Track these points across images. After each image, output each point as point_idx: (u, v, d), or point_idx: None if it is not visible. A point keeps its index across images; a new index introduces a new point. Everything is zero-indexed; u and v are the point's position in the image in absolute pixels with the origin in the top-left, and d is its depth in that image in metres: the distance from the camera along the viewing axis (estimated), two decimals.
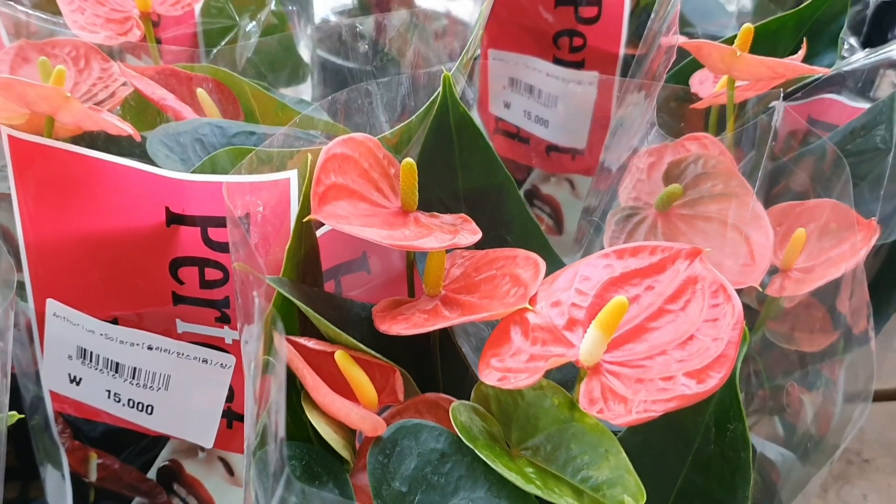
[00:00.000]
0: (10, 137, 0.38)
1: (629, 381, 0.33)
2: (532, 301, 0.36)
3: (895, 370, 0.92)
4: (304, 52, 0.69)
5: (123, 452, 0.49)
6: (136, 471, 0.49)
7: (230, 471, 0.48)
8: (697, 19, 0.72)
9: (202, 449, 0.48)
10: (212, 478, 0.48)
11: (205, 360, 0.43)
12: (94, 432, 0.49)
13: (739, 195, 0.46)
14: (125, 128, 0.40)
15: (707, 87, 0.58)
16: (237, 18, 0.55)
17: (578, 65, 0.69)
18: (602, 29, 0.68)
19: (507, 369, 0.34)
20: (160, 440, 0.48)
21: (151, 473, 0.49)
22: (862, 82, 0.57)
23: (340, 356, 0.35)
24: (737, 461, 0.37)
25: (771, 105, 0.61)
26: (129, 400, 0.45)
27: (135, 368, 0.44)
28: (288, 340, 0.35)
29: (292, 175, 0.38)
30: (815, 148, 0.44)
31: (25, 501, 0.65)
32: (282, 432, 0.30)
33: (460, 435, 0.33)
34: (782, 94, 0.57)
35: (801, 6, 0.60)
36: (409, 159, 0.38)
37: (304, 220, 0.36)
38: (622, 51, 0.68)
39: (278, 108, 0.46)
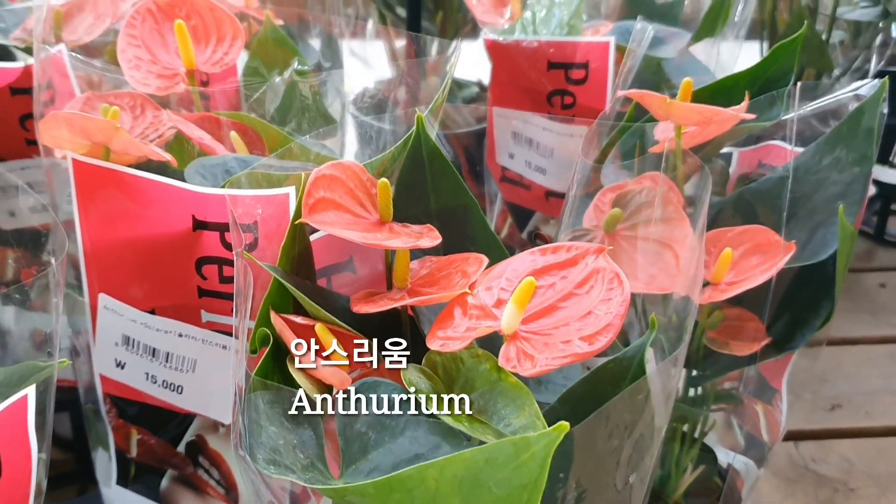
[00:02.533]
0: (74, 160, 0.50)
1: (538, 345, 0.42)
2: (472, 287, 0.45)
3: (884, 411, 0.98)
4: (335, 110, 0.80)
5: (158, 429, 0.59)
6: (168, 445, 0.59)
7: None
8: (679, 78, 0.81)
9: (222, 424, 0.58)
10: (230, 451, 0.58)
11: (224, 347, 0.53)
12: (132, 411, 0.58)
13: (673, 220, 0.55)
14: (164, 155, 0.51)
15: (668, 134, 0.67)
16: (267, 76, 0.66)
17: (570, 120, 0.79)
18: (589, 89, 0.78)
19: (447, 338, 0.43)
20: (188, 417, 0.58)
21: (181, 448, 0.59)
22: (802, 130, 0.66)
23: (320, 328, 0.45)
24: (640, 444, 0.45)
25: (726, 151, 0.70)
26: (164, 381, 0.55)
27: (168, 353, 0.54)
28: (279, 316, 0.45)
29: (291, 190, 0.48)
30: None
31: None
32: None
33: (408, 388, 0.42)
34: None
35: (754, 66, 0.69)
36: (384, 179, 0.48)
37: (296, 222, 0.46)
38: (608, 107, 0.78)
39: (283, 140, 0.57)
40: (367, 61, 1.17)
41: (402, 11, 1.16)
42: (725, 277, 0.56)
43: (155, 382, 0.55)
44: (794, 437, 0.93)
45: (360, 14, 1.19)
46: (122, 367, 0.55)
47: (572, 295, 0.44)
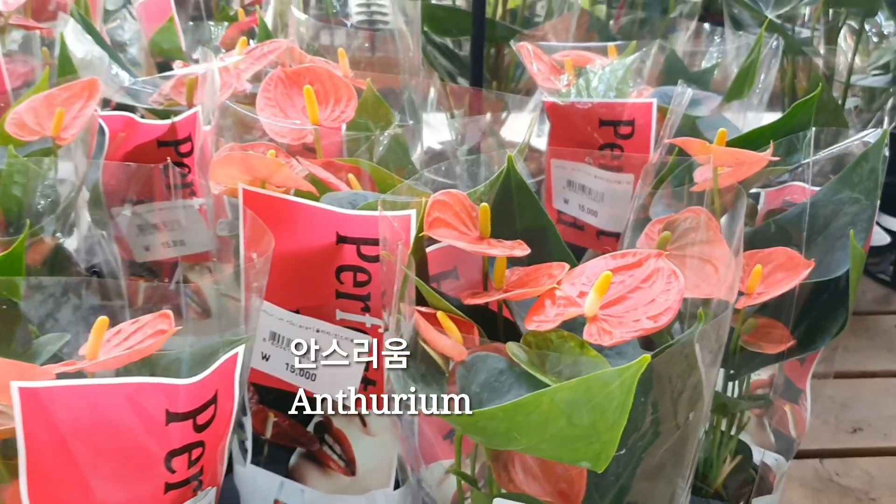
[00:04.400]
0: (244, 189, 0.63)
1: (614, 323, 0.54)
2: (559, 284, 0.58)
3: None
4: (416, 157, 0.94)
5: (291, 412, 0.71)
6: (299, 426, 0.72)
7: (364, 423, 0.70)
8: (710, 134, 0.95)
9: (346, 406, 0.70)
10: (351, 429, 0.70)
11: (351, 340, 0.66)
12: (270, 397, 0.71)
13: (713, 241, 0.68)
14: (311, 186, 0.65)
15: (705, 175, 0.80)
16: (372, 129, 0.80)
17: (618, 169, 0.92)
18: (635, 142, 0.91)
19: (541, 321, 0.56)
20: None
21: (309, 428, 0.72)
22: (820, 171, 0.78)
23: (441, 315, 0.58)
24: (691, 392, 0.57)
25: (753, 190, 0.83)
26: (300, 370, 0.68)
27: (307, 346, 0.67)
28: (411, 307, 0.58)
29: (412, 213, 0.62)
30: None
31: None
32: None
33: (513, 358, 0.55)
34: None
35: (776, 120, 0.82)
36: (485, 204, 0.61)
37: (419, 235, 0.59)
38: (656, 154, 0.91)
39: (389, 179, 0.70)
40: (429, 124, 1.32)
41: (461, 80, 1.31)
42: (756, 289, 0.69)
43: (293, 372, 0.68)
44: (819, 454, 1.04)
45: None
46: (267, 360, 0.68)
47: (638, 288, 0.56)
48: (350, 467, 0.71)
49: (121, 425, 0.48)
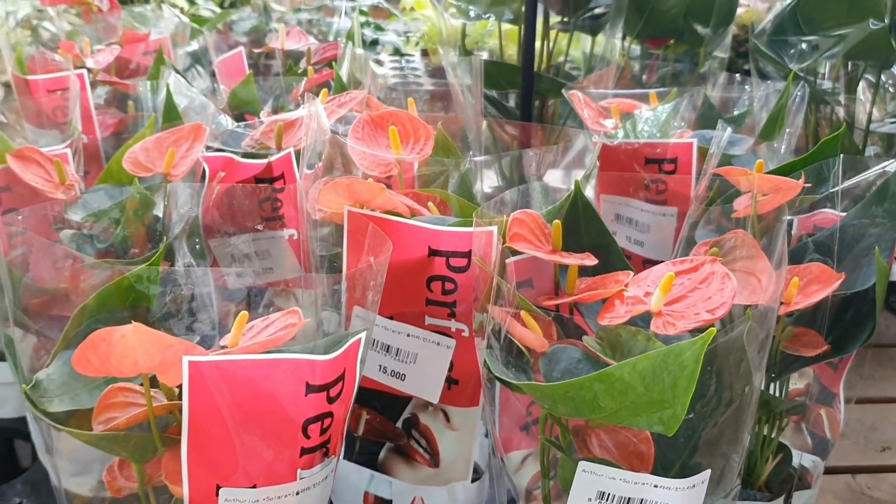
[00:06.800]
0: (349, 211, 0.73)
1: (677, 317, 0.63)
2: (626, 286, 0.68)
3: None
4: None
5: (383, 410, 0.80)
6: (389, 422, 0.80)
7: (448, 419, 0.79)
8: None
9: (431, 404, 0.79)
10: (436, 425, 0.79)
11: (437, 343, 0.75)
12: (364, 396, 0.80)
13: (755, 257, 0.77)
14: (404, 210, 0.75)
15: (745, 203, 0.89)
16: (446, 164, 0.90)
17: (663, 202, 1.02)
18: (678, 178, 1.01)
19: (612, 317, 0.65)
20: (406, 399, 0.80)
21: (398, 424, 0.81)
22: (847, 200, 0.88)
23: (524, 314, 0.67)
24: (744, 373, 0.66)
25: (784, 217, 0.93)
26: (392, 371, 0.77)
27: (398, 349, 0.76)
28: (497, 308, 0.67)
29: (495, 229, 0.71)
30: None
31: None
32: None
33: (589, 349, 0.64)
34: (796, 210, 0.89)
35: (805, 155, 0.92)
36: (557, 221, 0.71)
37: (504, 246, 0.69)
38: (693, 191, 1.01)
39: (466, 206, 0.80)
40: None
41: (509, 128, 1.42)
42: (794, 298, 0.78)
43: (385, 372, 0.77)
44: (851, 470, 1.12)
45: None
46: (363, 362, 0.77)
47: (696, 289, 0.65)
48: (434, 459, 0.80)
49: (269, 395, 0.57)
